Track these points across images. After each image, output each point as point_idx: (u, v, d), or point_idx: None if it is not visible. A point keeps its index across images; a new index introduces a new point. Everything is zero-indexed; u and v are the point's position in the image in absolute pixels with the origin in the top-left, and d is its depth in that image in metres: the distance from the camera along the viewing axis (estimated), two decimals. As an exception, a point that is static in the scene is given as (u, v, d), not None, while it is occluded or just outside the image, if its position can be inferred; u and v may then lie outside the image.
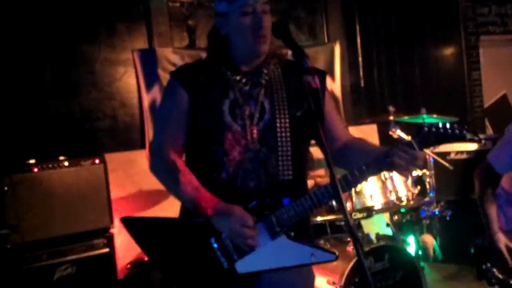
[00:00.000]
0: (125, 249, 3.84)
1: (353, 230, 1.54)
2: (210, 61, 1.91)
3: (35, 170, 3.29)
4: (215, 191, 1.78)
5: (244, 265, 1.75)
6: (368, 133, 5.10)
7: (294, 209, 1.76)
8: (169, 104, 1.91)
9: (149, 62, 4.23)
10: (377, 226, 4.05)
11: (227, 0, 1.81)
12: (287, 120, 1.83)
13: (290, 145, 1.83)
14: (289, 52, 1.81)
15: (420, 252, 3.75)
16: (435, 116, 3.85)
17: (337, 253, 1.80)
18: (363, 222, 3.70)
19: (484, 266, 2.66)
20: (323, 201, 1.77)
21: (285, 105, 1.84)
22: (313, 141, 1.91)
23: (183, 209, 1.93)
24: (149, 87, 4.22)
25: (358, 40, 5.29)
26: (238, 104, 1.84)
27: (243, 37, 1.81)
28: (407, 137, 3.72)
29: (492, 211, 2.69)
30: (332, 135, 1.93)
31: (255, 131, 1.82)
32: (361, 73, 5.30)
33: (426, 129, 1.73)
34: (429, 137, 1.73)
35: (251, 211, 1.75)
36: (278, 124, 1.82)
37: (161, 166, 1.87)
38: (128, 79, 4.24)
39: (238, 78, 1.87)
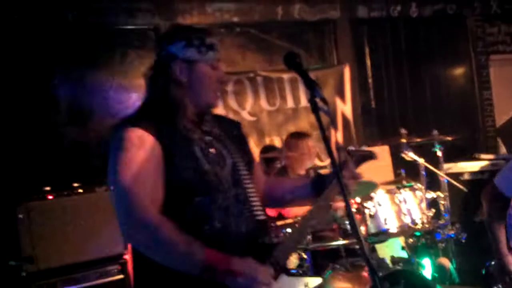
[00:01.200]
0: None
1: (369, 261, 1.53)
2: (161, 108, 1.78)
3: (50, 197, 3.32)
4: (209, 243, 1.64)
5: None
6: (380, 154, 5.05)
7: (287, 246, 1.81)
8: (139, 155, 1.66)
9: (161, 88, 4.27)
10: (392, 249, 4.00)
11: (196, 48, 1.79)
12: (243, 163, 1.87)
13: (253, 186, 1.87)
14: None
15: (436, 275, 3.69)
16: (447, 137, 3.84)
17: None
18: (377, 246, 3.67)
19: None
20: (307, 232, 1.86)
21: (235, 150, 1.88)
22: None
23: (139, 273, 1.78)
24: (161, 112, 4.25)
25: (368, 62, 5.32)
26: (205, 151, 1.80)
27: (206, 88, 1.81)
28: (420, 160, 3.72)
29: (501, 233, 2.65)
30: (258, 177, 2.01)
31: (227, 175, 1.81)
32: (371, 95, 5.31)
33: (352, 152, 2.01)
34: (358, 157, 2.02)
35: (256, 257, 1.69)
36: (239, 167, 1.85)
37: (148, 231, 1.60)
38: (140, 105, 4.28)
39: (193, 127, 1.83)
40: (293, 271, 2.97)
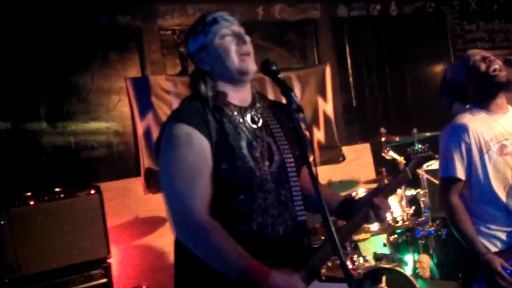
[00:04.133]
0: (123, 278, 3.85)
1: (347, 269, 1.55)
2: (206, 100, 1.75)
3: (32, 203, 3.30)
4: (245, 244, 1.64)
5: None
6: (362, 152, 5.14)
7: (323, 254, 1.73)
8: (189, 154, 1.65)
9: (142, 90, 4.27)
10: (374, 246, 4.05)
11: (201, 32, 1.77)
12: (293, 160, 1.79)
13: (299, 185, 1.80)
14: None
15: (417, 271, 3.76)
16: (427, 134, 3.89)
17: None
18: (360, 243, 3.72)
19: None
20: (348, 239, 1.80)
21: (286, 144, 1.80)
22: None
23: (180, 255, 1.78)
24: (142, 115, 4.25)
25: (349, 61, 5.36)
26: (251, 145, 1.74)
27: (227, 58, 1.74)
28: (400, 159, 3.77)
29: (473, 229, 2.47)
30: (305, 176, 1.91)
31: (272, 173, 1.75)
32: (353, 93, 5.35)
33: (412, 156, 1.98)
34: (416, 161, 2.00)
35: (289, 263, 1.68)
36: (287, 164, 1.77)
37: (199, 235, 1.62)
38: (122, 108, 4.28)
39: (239, 115, 1.77)
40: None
